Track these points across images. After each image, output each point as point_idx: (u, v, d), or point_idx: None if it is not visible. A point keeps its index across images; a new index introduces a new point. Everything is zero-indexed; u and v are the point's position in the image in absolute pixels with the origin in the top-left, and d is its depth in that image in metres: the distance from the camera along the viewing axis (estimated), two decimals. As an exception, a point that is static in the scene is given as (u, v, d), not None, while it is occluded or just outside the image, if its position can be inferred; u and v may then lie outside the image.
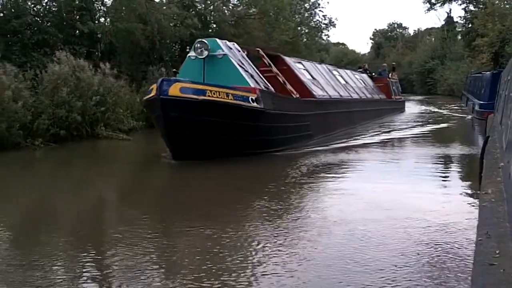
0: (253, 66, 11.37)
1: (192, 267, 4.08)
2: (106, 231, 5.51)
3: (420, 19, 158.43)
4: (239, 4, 25.06)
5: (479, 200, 2.55)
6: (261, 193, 6.89)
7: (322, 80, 14.97)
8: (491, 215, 2.05)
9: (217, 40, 10.78)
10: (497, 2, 27.99)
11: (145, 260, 4.25)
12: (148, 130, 14.47)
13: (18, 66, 13.15)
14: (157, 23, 17.87)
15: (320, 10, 34.27)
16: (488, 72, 19.52)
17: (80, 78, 13.07)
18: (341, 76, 18.15)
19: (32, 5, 16.40)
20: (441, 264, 4.05)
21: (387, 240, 4.65)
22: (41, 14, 16.64)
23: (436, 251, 4.36)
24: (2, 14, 15.28)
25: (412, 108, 27.39)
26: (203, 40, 10.48)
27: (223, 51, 10.38)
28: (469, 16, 34.40)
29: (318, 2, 33.83)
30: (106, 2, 19.03)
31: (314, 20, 34.33)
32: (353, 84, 18.97)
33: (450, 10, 50.36)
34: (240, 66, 10.43)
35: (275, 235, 4.90)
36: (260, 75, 11.33)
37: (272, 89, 11.02)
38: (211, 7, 23.02)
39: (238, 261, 4.19)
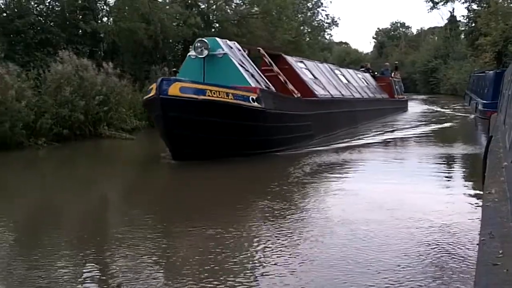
0: (254, 66, 11.28)
1: (194, 267, 4.07)
2: (107, 231, 5.51)
3: (423, 18, 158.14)
4: (241, 4, 25.05)
5: (482, 200, 2.54)
6: (262, 193, 6.88)
7: (324, 80, 14.90)
8: (494, 215, 2.04)
9: (217, 39, 10.70)
10: (500, 1, 27.88)
11: (147, 261, 4.24)
12: (151, 129, 14.46)
13: (21, 65, 13.19)
14: (160, 23, 17.88)
15: (323, 10, 34.38)
16: (491, 72, 19.47)
17: (83, 77, 13.10)
18: (343, 76, 18.05)
19: (35, 5, 16.45)
20: (444, 265, 4.03)
21: (390, 240, 4.64)
22: (44, 14, 16.68)
23: (439, 251, 4.34)
24: (5, 14, 15.32)
25: (415, 107, 27.34)
26: (203, 39, 10.39)
27: (223, 50, 10.30)
28: (472, 15, 34.30)
29: (321, 1, 33.81)
30: (109, 1, 19.10)
31: (317, 19, 34.34)
32: (355, 83, 18.88)
33: (453, 9, 50.11)
34: (241, 66, 10.34)
35: (277, 235, 4.89)
36: (261, 74, 11.25)
37: (273, 88, 10.95)
38: (214, 6, 23.03)
39: (240, 261, 4.18)
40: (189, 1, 20.95)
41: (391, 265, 3.99)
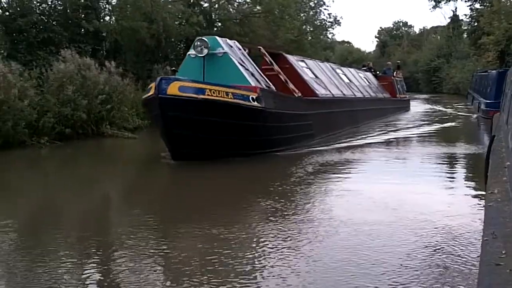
0: (254, 65, 11.20)
1: (195, 267, 4.07)
2: (108, 231, 5.51)
3: (425, 17, 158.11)
4: (244, 2, 25.05)
5: (485, 200, 2.53)
6: (262, 193, 6.85)
7: (325, 79, 14.83)
8: (497, 215, 2.04)
9: (217, 38, 10.62)
10: (503, 0, 27.83)
11: (147, 260, 4.24)
12: (153, 128, 14.39)
13: (23, 64, 13.22)
14: (163, 22, 17.89)
15: (325, 9, 34.32)
16: (494, 71, 19.41)
17: (86, 76, 13.12)
18: (345, 75, 17.97)
19: (38, 4, 16.46)
20: (447, 265, 4.03)
21: (393, 241, 4.63)
22: (47, 13, 16.70)
23: (442, 251, 4.33)
24: (8, 13, 15.35)
25: (417, 107, 27.29)
26: (203, 38, 10.31)
27: (223, 49, 10.22)
28: (475, 14, 34.25)
29: (323, 0, 33.81)
30: (111, 0, 19.09)
31: (319, 18, 34.31)
32: (357, 82, 18.82)
33: (456, 8, 50.29)
34: (241, 65, 10.27)
35: (279, 235, 4.88)
36: (261, 73, 11.18)
37: (274, 88, 10.88)
38: (216, 5, 23.03)
39: (242, 262, 4.17)
40: (192, 0, 20.96)
41: (394, 266, 3.99)
